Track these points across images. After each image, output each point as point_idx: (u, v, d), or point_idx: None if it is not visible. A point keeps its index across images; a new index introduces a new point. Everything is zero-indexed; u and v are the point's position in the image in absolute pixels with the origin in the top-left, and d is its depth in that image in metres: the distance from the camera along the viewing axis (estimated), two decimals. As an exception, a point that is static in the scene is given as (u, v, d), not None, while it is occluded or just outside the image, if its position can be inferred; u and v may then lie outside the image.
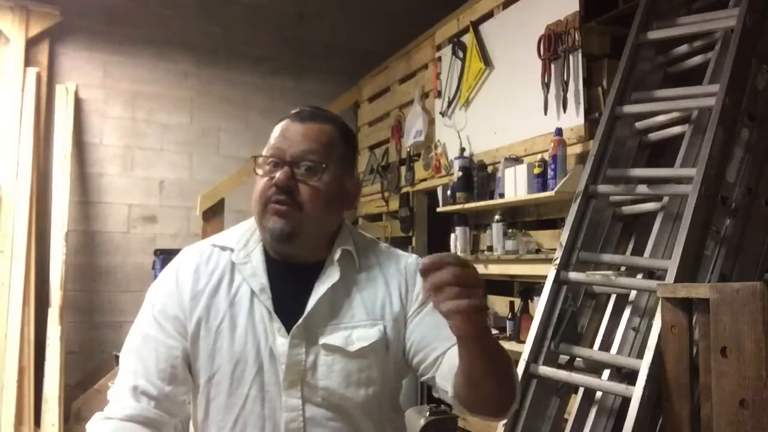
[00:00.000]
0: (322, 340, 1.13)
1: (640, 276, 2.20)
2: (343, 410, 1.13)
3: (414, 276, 1.21)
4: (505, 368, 1.06)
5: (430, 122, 3.62)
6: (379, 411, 1.18)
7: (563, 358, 2.17)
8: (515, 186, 2.75)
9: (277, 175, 1.12)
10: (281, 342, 1.12)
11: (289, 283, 1.17)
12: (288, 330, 1.12)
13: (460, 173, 3.10)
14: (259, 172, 1.17)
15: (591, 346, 2.23)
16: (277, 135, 1.17)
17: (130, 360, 1.15)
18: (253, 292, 1.15)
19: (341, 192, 1.18)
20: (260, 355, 1.12)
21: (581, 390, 2.15)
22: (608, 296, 2.30)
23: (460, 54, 3.32)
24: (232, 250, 1.19)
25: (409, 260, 1.25)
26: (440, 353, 1.14)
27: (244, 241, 1.21)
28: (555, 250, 2.30)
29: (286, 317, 1.13)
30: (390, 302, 1.18)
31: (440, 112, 3.49)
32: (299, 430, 1.11)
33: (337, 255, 1.18)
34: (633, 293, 2.19)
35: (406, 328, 1.18)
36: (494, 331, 2.89)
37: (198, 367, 1.14)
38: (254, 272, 1.16)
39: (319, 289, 1.15)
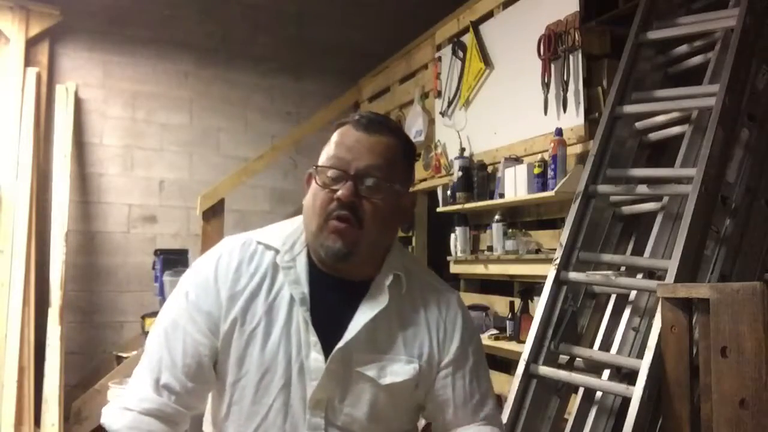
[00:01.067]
0: (356, 368, 1.11)
1: (640, 276, 2.20)
2: None
3: (453, 323, 1.19)
4: None
5: (430, 122, 3.62)
6: None
7: (563, 358, 2.17)
8: (515, 186, 2.75)
9: (341, 189, 1.07)
10: (315, 358, 1.09)
11: (331, 297, 1.13)
12: (323, 346, 1.09)
13: (460, 173, 3.10)
14: (319, 182, 1.11)
15: (591, 346, 2.23)
16: (340, 144, 1.11)
17: (156, 347, 1.11)
18: (292, 300, 1.11)
19: (399, 208, 1.15)
20: (290, 367, 1.09)
21: (581, 390, 2.14)
22: (608, 296, 2.30)
23: (460, 54, 3.32)
24: (277, 251, 1.15)
25: (451, 304, 1.22)
26: (454, 428, 1.16)
27: (290, 243, 1.16)
28: (555, 250, 2.29)
29: (323, 332, 1.10)
30: (429, 343, 1.16)
31: (440, 112, 3.49)
32: None
33: (388, 280, 1.14)
34: (633, 293, 2.19)
35: (435, 376, 1.17)
36: (494, 331, 2.89)
37: (226, 368, 1.12)
38: (297, 279, 1.12)
39: (365, 314, 1.11)
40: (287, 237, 1.17)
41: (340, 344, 1.09)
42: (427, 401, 1.18)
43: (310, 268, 1.14)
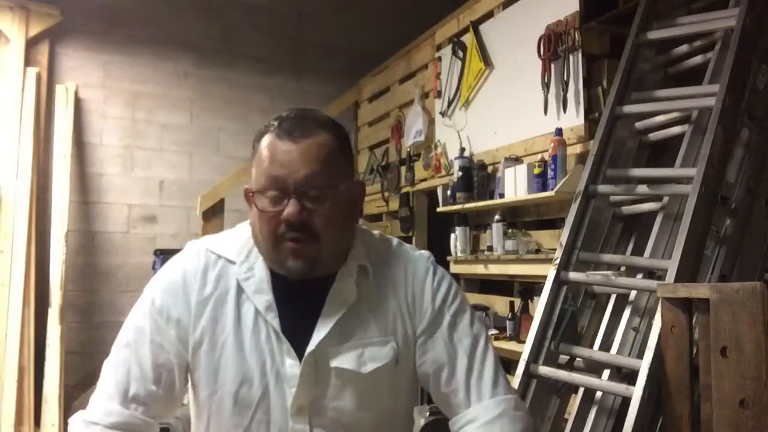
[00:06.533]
0: (333, 363, 1.06)
1: (640, 276, 2.20)
2: (353, 430, 1.08)
3: (422, 286, 1.13)
4: None
5: (430, 122, 3.62)
6: (393, 427, 1.15)
7: (563, 358, 2.17)
8: (515, 186, 2.75)
9: (287, 210, 1.01)
10: (290, 364, 1.05)
11: (296, 299, 1.08)
12: (297, 351, 1.05)
13: (460, 173, 3.10)
14: (260, 207, 1.04)
15: (591, 346, 2.23)
16: (270, 160, 1.04)
17: (123, 358, 1.08)
18: (257, 310, 1.06)
19: (351, 204, 1.09)
20: (266, 376, 1.05)
21: (581, 390, 2.14)
22: (608, 296, 2.30)
23: (460, 54, 3.32)
24: (233, 263, 1.11)
25: (418, 269, 1.15)
26: (453, 389, 1.11)
27: (245, 253, 1.11)
28: (555, 250, 2.29)
29: (294, 336, 1.05)
30: (400, 316, 1.11)
31: (440, 112, 3.49)
32: None
33: (353, 275, 1.09)
34: (633, 293, 2.19)
35: (415, 346, 1.12)
36: (494, 331, 2.89)
37: (198, 378, 1.08)
38: (258, 288, 1.07)
39: (332, 312, 1.06)
40: (241, 248, 1.12)
41: (310, 347, 1.04)
42: (419, 375, 1.14)
43: (270, 273, 1.08)
